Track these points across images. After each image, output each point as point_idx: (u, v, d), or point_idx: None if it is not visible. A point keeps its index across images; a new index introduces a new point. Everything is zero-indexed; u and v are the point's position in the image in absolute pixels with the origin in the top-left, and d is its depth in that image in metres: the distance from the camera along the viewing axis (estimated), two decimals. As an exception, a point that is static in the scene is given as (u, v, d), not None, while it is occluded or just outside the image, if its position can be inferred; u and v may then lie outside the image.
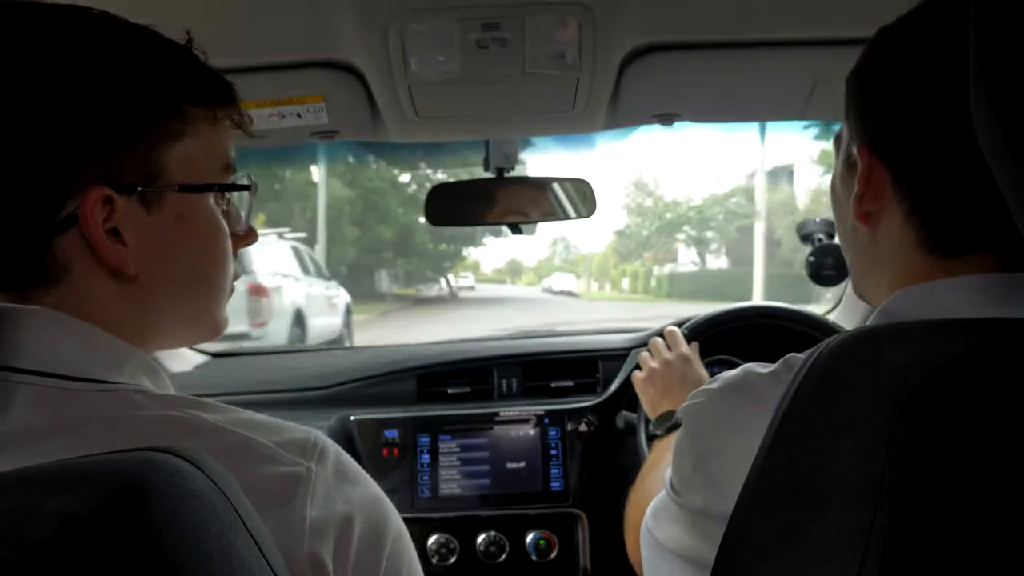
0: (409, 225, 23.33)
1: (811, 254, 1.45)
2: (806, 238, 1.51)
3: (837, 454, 0.40)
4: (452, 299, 25.31)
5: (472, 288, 31.27)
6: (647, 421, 1.26)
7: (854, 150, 0.62)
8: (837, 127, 0.70)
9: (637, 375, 1.28)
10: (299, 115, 1.06)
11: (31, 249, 0.52)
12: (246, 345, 6.05)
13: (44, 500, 0.35)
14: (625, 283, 30.26)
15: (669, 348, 1.28)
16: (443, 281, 27.17)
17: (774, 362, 0.61)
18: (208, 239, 0.60)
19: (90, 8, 0.55)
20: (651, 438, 1.18)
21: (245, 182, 0.63)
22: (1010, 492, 0.34)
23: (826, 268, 1.43)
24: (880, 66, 0.61)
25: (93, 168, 0.52)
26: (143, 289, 0.56)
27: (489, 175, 1.34)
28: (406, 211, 23.03)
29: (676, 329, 1.33)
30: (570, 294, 29.16)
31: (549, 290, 30.89)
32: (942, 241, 0.58)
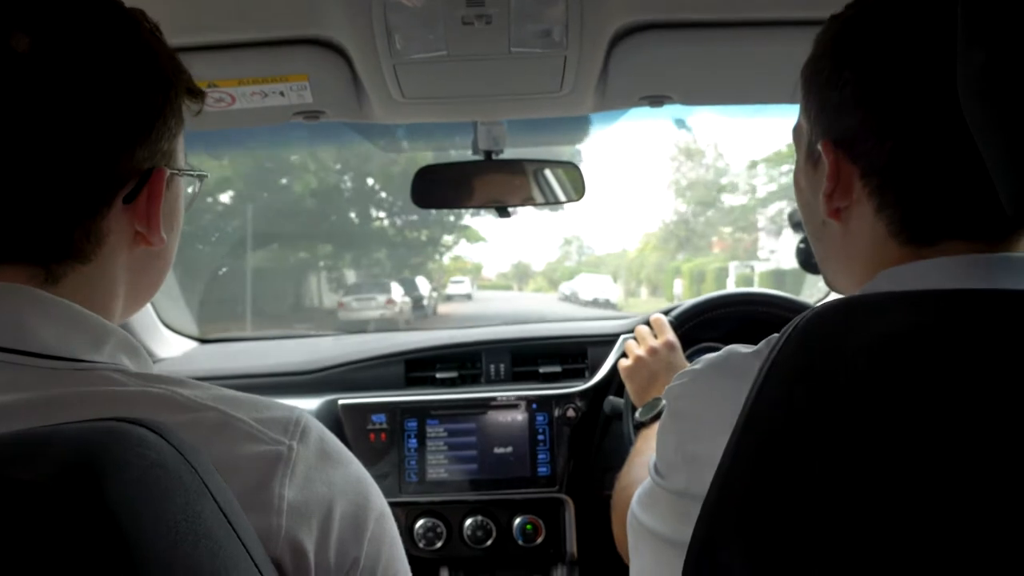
0: (328, 188, 14.07)
1: (801, 241, 1.44)
2: (797, 226, 1.51)
3: (807, 425, 0.39)
4: (417, 317, 15.77)
5: (468, 296, 23.12)
6: (634, 407, 1.27)
7: (818, 146, 0.61)
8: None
9: (623, 363, 1.28)
10: (282, 94, 1.04)
11: (77, 224, 0.53)
12: None
13: (2, 467, 0.34)
14: (678, 287, 20.34)
15: (655, 336, 1.28)
16: (395, 289, 15.37)
17: None
18: (182, 215, 0.65)
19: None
20: (638, 426, 1.18)
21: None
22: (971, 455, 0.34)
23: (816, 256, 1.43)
24: (836, 60, 0.60)
25: (142, 150, 0.56)
26: (149, 258, 0.60)
27: (477, 158, 1.33)
28: (319, 165, 13.42)
29: (662, 316, 1.33)
30: (607, 304, 19.30)
31: (573, 299, 21.36)
32: (915, 232, 0.58)
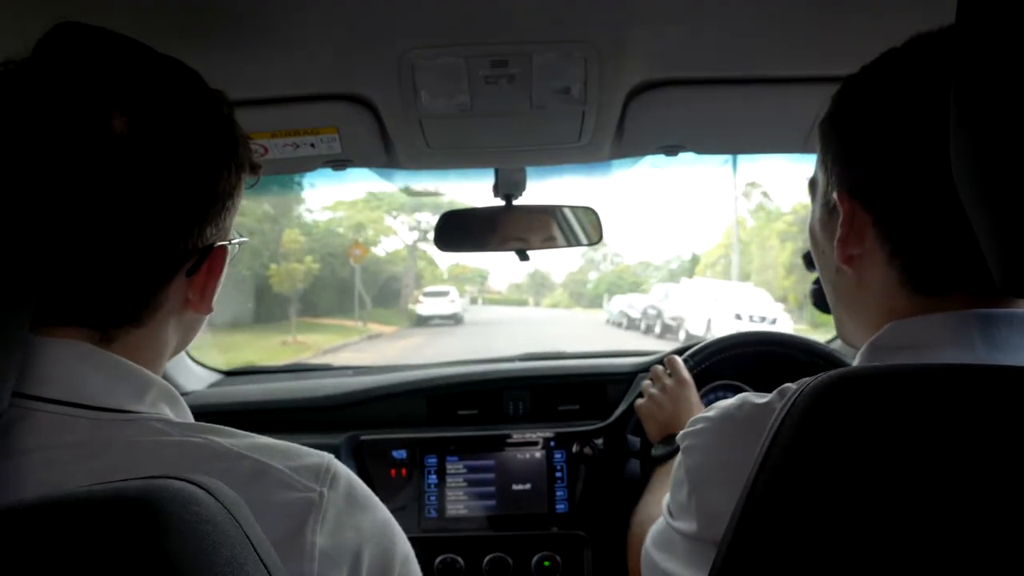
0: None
1: (815, 281, 1.46)
2: (812, 265, 1.52)
3: (814, 490, 0.42)
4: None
5: (454, 319, 16.69)
6: (649, 445, 1.29)
7: (834, 195, 0.64)
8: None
9: (640, 402, 1.31)
10: (313, 145, 1.09)
11: (140, 294, 0.58)
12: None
13: (66, 526, 0.38)
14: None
15: (670, 375, 1.30)
16: None
17: (773, 389, 0.63)
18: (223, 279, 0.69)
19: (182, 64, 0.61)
20: (653, 462, 1.20)
21: None
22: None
23: None
24: (852, 113, 0.64)
25: (211, 227, 0.60)
26: (195, 320, 0.65)
27: (499, 202, 1.37)
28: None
29: (676, 357, 1.36)
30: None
31: (653, 326, 14.38)
32: (924, 282, 0.60)
